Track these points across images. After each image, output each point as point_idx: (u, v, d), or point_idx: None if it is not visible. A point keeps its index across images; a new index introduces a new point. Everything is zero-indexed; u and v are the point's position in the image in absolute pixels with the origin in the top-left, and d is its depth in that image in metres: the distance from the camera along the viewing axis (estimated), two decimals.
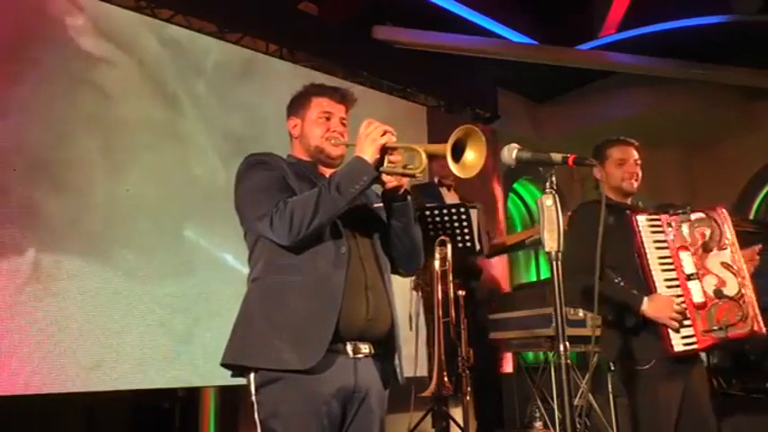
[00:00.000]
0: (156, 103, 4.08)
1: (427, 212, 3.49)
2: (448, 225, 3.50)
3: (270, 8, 4.78)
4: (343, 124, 1.93)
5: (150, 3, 4.22)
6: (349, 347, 1.71)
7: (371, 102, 5.14)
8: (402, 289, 4.88)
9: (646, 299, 2.34)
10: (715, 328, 2.32)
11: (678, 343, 2.30)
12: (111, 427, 3.86)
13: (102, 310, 3.59)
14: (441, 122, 5.71)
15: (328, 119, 1.90)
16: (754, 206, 7.11)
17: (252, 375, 1.69)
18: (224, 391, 4.00)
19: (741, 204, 7.02)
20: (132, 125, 3.92)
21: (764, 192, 7.13)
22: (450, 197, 4.00)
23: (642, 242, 2.38)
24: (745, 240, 2.60)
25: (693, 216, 2.45)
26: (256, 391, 1.68)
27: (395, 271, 1.93)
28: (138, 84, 4.02)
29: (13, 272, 3.36)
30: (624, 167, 2.64)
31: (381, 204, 1.88)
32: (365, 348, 1.73)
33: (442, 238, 3.39)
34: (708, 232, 2.42)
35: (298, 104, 1.96)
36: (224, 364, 1.74)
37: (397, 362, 1.81)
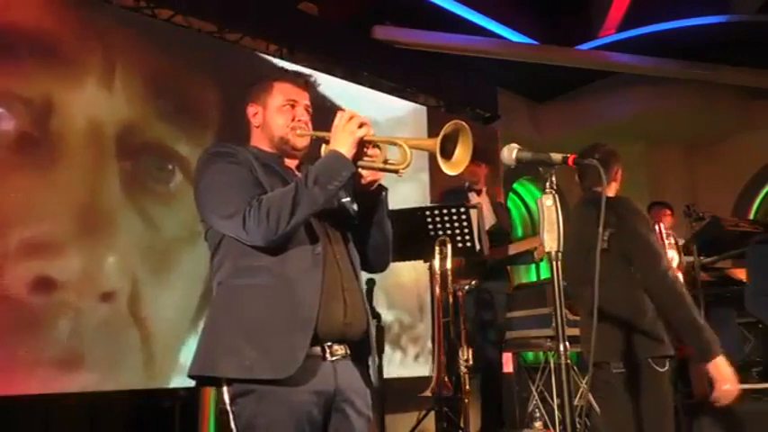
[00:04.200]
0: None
1: (427, 212, 3.49)
2: (448, 225, 3.50)
3: (270, 8, 4.78)
4: (308, 112, 1.79)
5: (150, 3, 4.22)
6: (327, 350, 1.62)
7: (371, 102, 5.15)
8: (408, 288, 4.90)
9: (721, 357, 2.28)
10: None
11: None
12: (112, 427, 3.86)
13: (102, 310, 3.59)
14: (441, 123, 5.69)
15: (293, 106, 1.76)
16: (754, 206, 7.11)
17: (225, 387, 1.58)
18: None
19: (741, 204, 7.02)
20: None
21: (764, 192, 7.13)
22: (476, 200, 4.01)
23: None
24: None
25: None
26: (231, 401, 1.57)
27: (365, 268, 1.83)
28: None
29: (11, 271, 3.33)
30: None
31: (349, 199, 1.79)
32: (341, 350, 1.64)
33: (442, 238, 3.39)
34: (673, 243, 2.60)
35: (259, 90, 1.80)
36: (191, 376, 1.63)
37: (370, 364, 1.73)
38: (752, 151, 6.90)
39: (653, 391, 2.38)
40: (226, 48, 4.38)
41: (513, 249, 4.27)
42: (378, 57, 5.49)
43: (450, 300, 3.55)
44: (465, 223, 3.48)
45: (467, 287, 3.74)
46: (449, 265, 3.38)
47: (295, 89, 1.79)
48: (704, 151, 7.29)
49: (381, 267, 1.90)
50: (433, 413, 3.60)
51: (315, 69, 4.92)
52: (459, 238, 3.50)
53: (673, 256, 2.70)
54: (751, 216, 6.95)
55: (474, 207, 3.63)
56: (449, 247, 3.36)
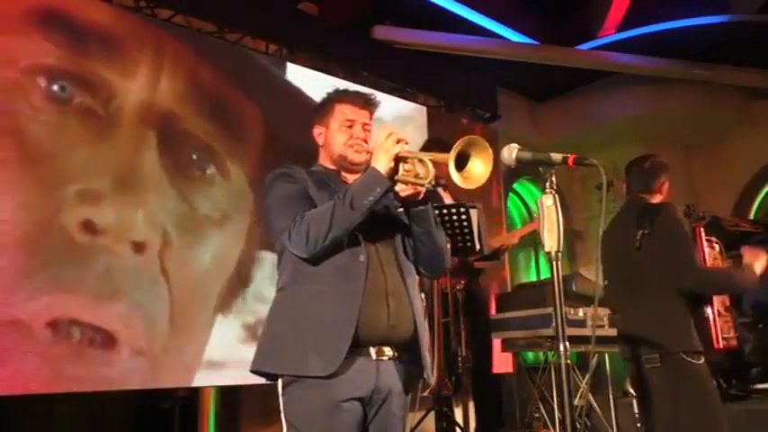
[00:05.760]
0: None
1: None
2: (448, 225, 3.50)
3: (270, 8, 4.78)
4: (367, 130, 1.94)
5: (150, 2, 4.22)
6: (372, 351, 1.74)
7: None
8: None
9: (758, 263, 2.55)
10: (726, 336, 2.55)
11: (720, 341, 2.50)
12: (112, 427, 3.87)
13: (101, 310, 3.59)
14: (441, 122, 5.71)
15: (351, 126, 1.92)
16: (754, 206, 7.11)
17: (280, 379, 1.76)
18: (224, 391, 4.01)
19: (741, 204, 7.01)
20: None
21: (764, 192, 7.12)
22: (446, 197, 4.00)
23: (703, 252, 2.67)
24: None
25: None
26: (282, 391, 1.74)
27: (418, 273, 1.94)
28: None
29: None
30: None
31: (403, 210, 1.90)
32: (389, 351, 1.77)
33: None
34: (717, 248, 2.65)
35: (322, 112, 1.98)
36: (252, 371, 1.80)
37: (424, 363, 1.84)
38: (752, 151, 6.90)
39: (694, 385, 2.42)
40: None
41: (494, 245, 4.28)
42: (378, 57, 5.49)
43: (450, 300, 3.56)
44: (465, 223, 3.48)
45: (458, 287, 3.74)
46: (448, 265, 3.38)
47: (354, 109, 1.94)
48: (704, 151, 7.28)
49: (435, 274, 2.11)
50: (433, 413, 3.59)
51: (315, 69, 4.94)
52: (459, 237, 3.49)
53: (716, 258, 2.76)
54: (751, 216, 6.94)
55: (474, 207, 3.62)
56: (448, 246, 3.36)
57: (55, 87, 3.64)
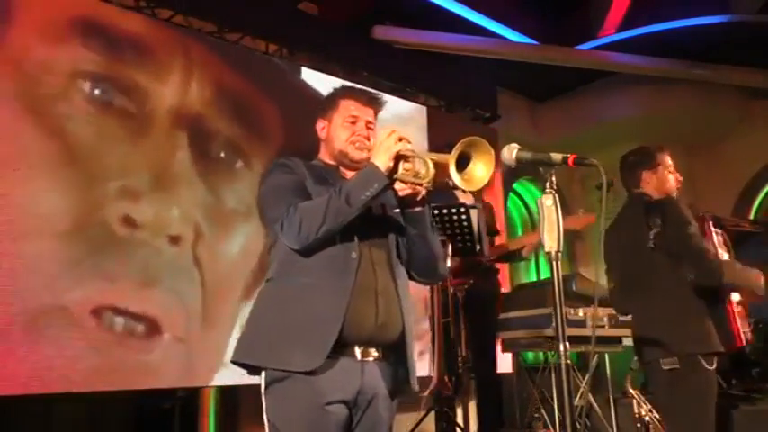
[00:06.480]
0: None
1: None
2: (448, 225, 3.50)
3: (270, 8, 4.79)
4: (370, 128, 1.92)
5: (150, 2, 4.22)
6: (357, 351, 1.71)
7: None
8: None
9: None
10: (744, 330, 2.51)
11: (742, 337, 2.48)
12: (112, 427, 3.86)
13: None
14: (441, 122, 5.71)
15: (354, 123, 1.90)
16: (754, 206, 7.11)
17: (263, 374, 1.71)
18: (224, 391, 4.01)
19: (741, 204, 7.01)
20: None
21: (764, 192, 7.13)
22: (464, 198, 3.99)
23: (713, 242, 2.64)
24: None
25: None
26: (265, 389, 1.70)
27: (411, 278, 1.91)
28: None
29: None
30: (675, 175, 2.74)
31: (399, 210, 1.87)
32: (374, 352, 1.74)
33: (443, 238, 3.38)
34: (722, 239, 2.67)
35: (326, 106, 1.96)
36: (233, 361, 1.77)
37: (409, 366, 1.80)
38: (752, 151, 6.90)
39: (697, 388, 2.40)
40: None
41: (512, 246, 4.25)
42: (378, 57, 5.49)
43: (450, 300, 3.55)
44: (465, 223, 3.48)
45: (466, 287, 3.73)
46: (449, 265, 3.38)
47: (358, 105, 1.92)
48: (704, 151, 7.28)
49: (429, 279, 2.02)
50: (433, 413, 3.59)
51: (315, 69, 4.94)
52: (459, 238, 3.49)
53: (722, 254, 2.74)
54: (751, 216, 6.95)
55: (474, 207, 3.62)
56: (449, 247, 3.37)
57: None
